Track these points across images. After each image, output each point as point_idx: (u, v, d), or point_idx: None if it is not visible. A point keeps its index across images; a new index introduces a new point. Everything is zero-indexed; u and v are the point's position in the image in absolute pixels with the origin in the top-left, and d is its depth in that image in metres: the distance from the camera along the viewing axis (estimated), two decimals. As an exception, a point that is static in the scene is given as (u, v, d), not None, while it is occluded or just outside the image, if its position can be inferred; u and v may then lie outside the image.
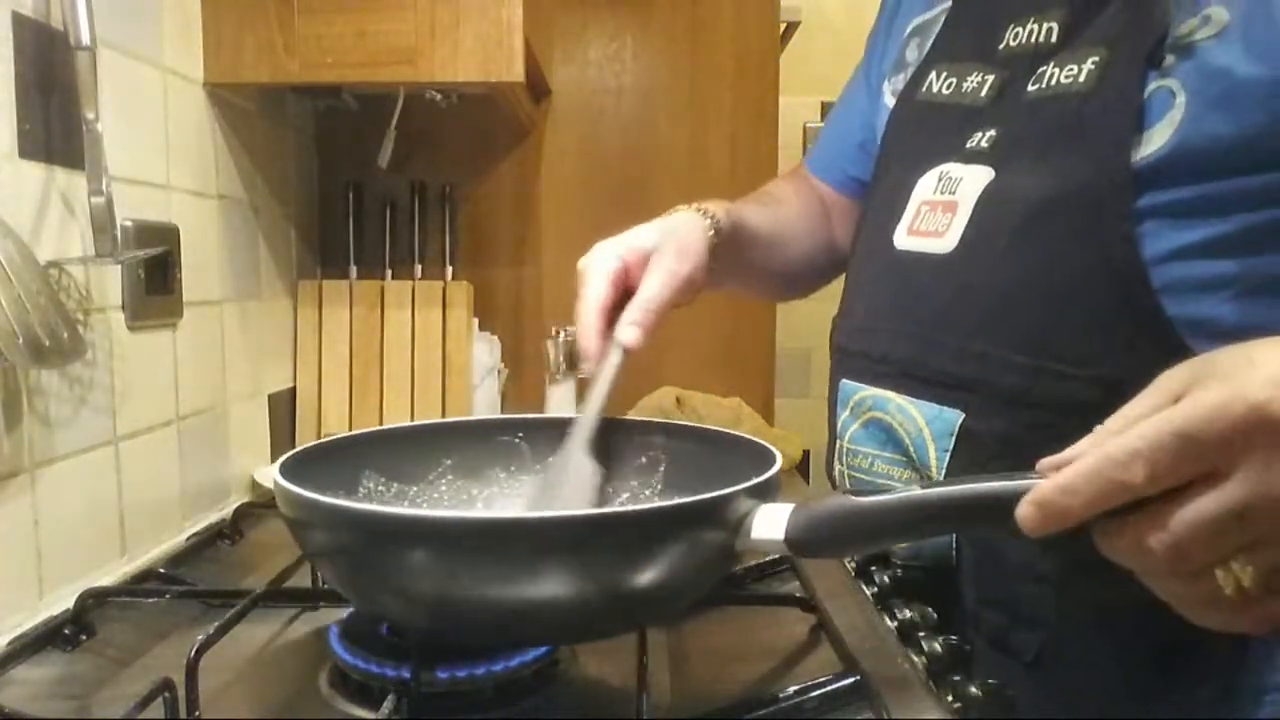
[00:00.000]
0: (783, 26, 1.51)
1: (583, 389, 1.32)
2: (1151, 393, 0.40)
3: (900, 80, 0.80)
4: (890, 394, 0.68)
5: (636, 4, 1.38)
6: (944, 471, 0.63)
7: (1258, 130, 0.54)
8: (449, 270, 1.31)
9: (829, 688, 0.54)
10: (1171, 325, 0.56)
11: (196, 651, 0.54)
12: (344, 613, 0.63)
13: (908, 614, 0.64)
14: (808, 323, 1.35)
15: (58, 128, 0.72)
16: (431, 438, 0.69)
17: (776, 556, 0.74)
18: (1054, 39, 0.65)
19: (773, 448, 0.57)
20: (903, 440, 0.66)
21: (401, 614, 0.52)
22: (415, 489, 0.67)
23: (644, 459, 0.67)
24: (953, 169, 0.68)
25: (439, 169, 1.35)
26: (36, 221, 0.70)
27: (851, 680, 0.55)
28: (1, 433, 0.66)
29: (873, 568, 0.72)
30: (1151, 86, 0.57)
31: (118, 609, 0.70)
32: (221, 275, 1.01)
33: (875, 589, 0.70)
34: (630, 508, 0.54)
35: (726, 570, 0.53)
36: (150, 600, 0.71)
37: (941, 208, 0.67)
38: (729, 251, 0.73)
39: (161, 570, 0.77)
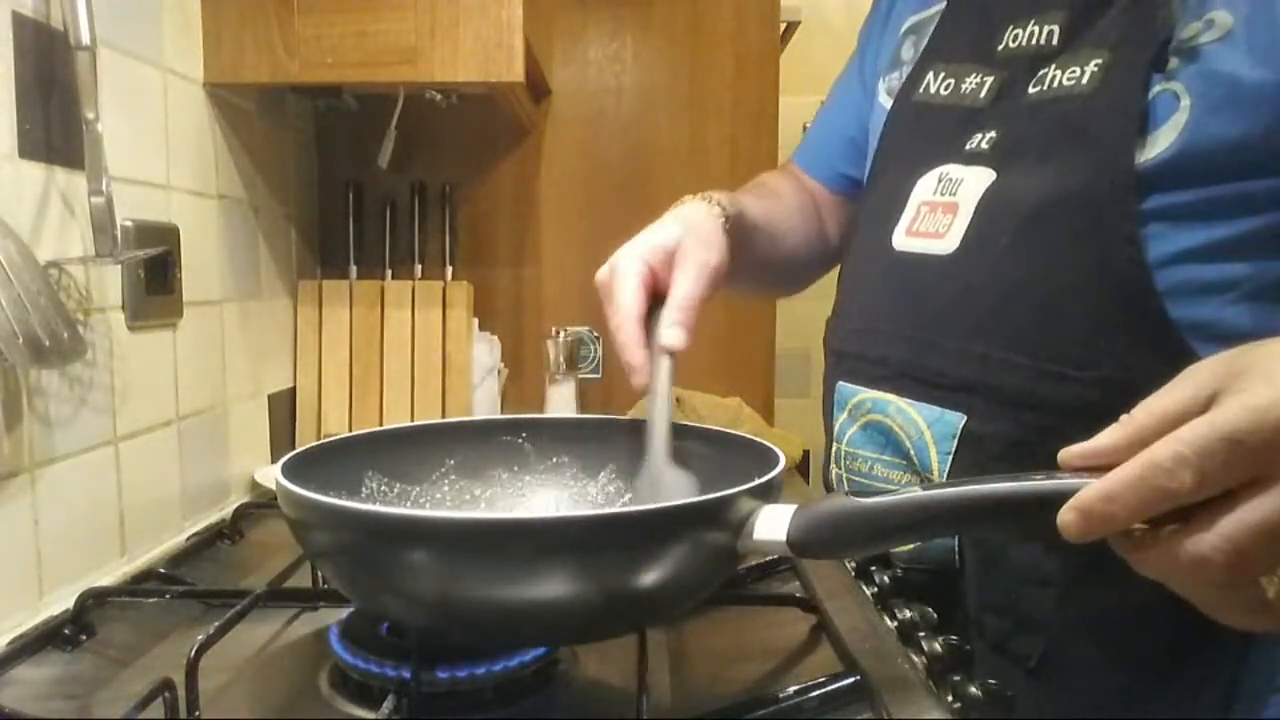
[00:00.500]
0: (783, 26, 1.51)
1: (583, 389, 1.33)
2: (1181, 387, 0.39)
3: (895, 79, 0.79)
4: (890, 396, 0.67)
5: (636, 4, 1.38)
6: (946, 474, 0.63)
7: (1262, 133, 0.54)
8: (449, 270, 1.31)
9: (829, 688, 0.54)
10: (1175, 328, 0.56)
11: (196, 651, 0.54)
12: (344, 613, 0.63)
13: (908, 614, 0.64)
14: (808, 323, 1.34)
15: (58, 128, 0.72)
16: (434, 438, 0.68)
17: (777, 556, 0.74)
18: (1055, 41, 0.65)
19: (776, 448, 0.57)
20: (903, 443, 0.66)
21: (404, 614, 0.52)
22: (418, 489, 0.66)
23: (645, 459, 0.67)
24: (953, 170, 0.68)
25: (439, 169, 1.35)
26: (36, 221, 0.70)
27: (851, 680, 0.55)
28: (1, 433, 0.66)
29: (873, 568, 0.72)
30: (1155, 90, 0.57)
31: (118, 609, 0.70)
32: (221, 275, 1.01)
33: (875, 589, 0.70)
34: (632, 508, 0.54)
35: (729, 571, 0.53)
36: (150, 600, 0.71)
37: (942, 209, 0.67)
38: (733, 242, 0.70)
39: (161, 570, 0.77)
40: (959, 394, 0.63)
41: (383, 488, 0.64)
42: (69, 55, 0.69)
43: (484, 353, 1.30)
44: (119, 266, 0.79)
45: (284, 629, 0.67)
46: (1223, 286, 0.56)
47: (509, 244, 1.40)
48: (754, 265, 0.83)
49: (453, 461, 0.68)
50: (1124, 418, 0.39)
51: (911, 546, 0.69)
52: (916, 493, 0.44)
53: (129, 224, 0.81)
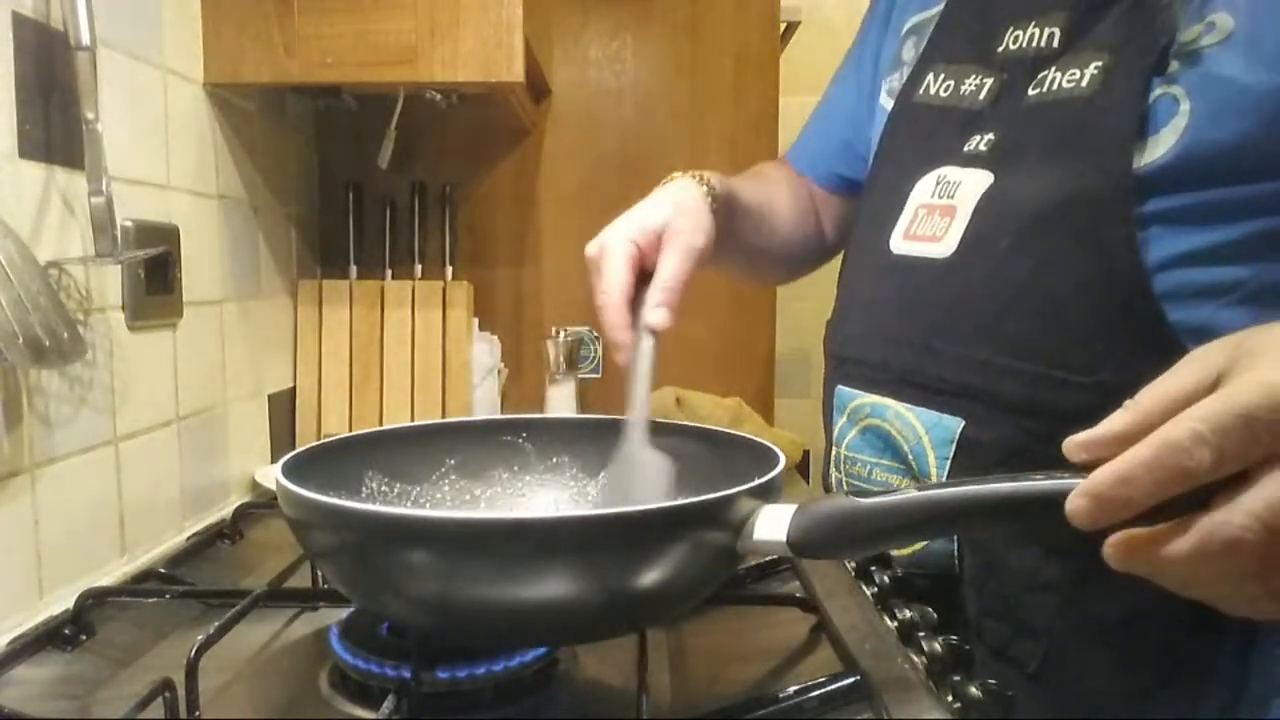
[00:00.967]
0: (783, 26, 1.51)
1: (583, 389, 1.33)
2: (1185, 371, 0.38)
3: (897, 80, 0.79)
4: (889, 401, 0.67)
5: (636, 4, 1.38)
6: (944, 480, 0.63)
7: (1262, 137, 0.54)
8: (449, 270, 1.31)
9: (829, 688, 0.54)
10: (1174, 332, 0.56)
11: (196, 651, 0.54)
12: (344, 613, 0.63)
13: (908, 614, 0.64)
14: (808, 323, 1.35)
15: (58, 128, 0.72)
16: (434, 438, 0.69)
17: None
18: (1055, 43, 0.64)
19: (776, 448, 0.57)
20: (901, 448, 0.66)
21: (404, 614, 0.52)
22: (418, 489, 0.66)
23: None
24: (950, 172, 0.67)
25: (439, 169, 1.35)
26: (36, 221, 0.70)
27: (851, 680, 0.55)
28: (1, 433, 0.66)
29: (873, 568, 0.72)
30: (1156, 93, 0.57)
31: (118, 609, 0.70)
32: (221, 275, 1.01)
33: (875, 589, 0.70)
34: (632, 508, 0.54)
35: (729, 571, 0.53)
36: (150, 600, 0.71)
37: (939, 211, 0.67)
38: (721, 222, 0.71)
39: (161, 570, 0.77)
40: (957, 399, 0.63)
41: (383, 488, 0.65)
42: (69, 55, 0.69)
43: (484, 353, 1.30)
44: (119, 266, 0.79)
45: (284, 629, 0.67)
46: (1222, 290, 0.56)
47: (509, 244, 1.40)
48: (744, 248, 0.82)
49: (453, 461, 0.68)
50: (1128, 403, 0.39)
51: (911, 551, 0.68)
52: (916, 493, 0.44)
53: (129, 224, 0.81)
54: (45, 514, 0.70)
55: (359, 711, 0.54)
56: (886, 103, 0.80)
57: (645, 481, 0.59)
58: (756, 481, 0.49)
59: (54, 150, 0.72)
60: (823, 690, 0.54)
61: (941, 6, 0.77)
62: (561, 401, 1.30)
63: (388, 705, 0.51)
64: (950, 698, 0.55)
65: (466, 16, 0.95)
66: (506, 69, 0.97)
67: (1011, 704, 0.54)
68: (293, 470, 0.52)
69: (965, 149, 0.67)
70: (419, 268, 1.30)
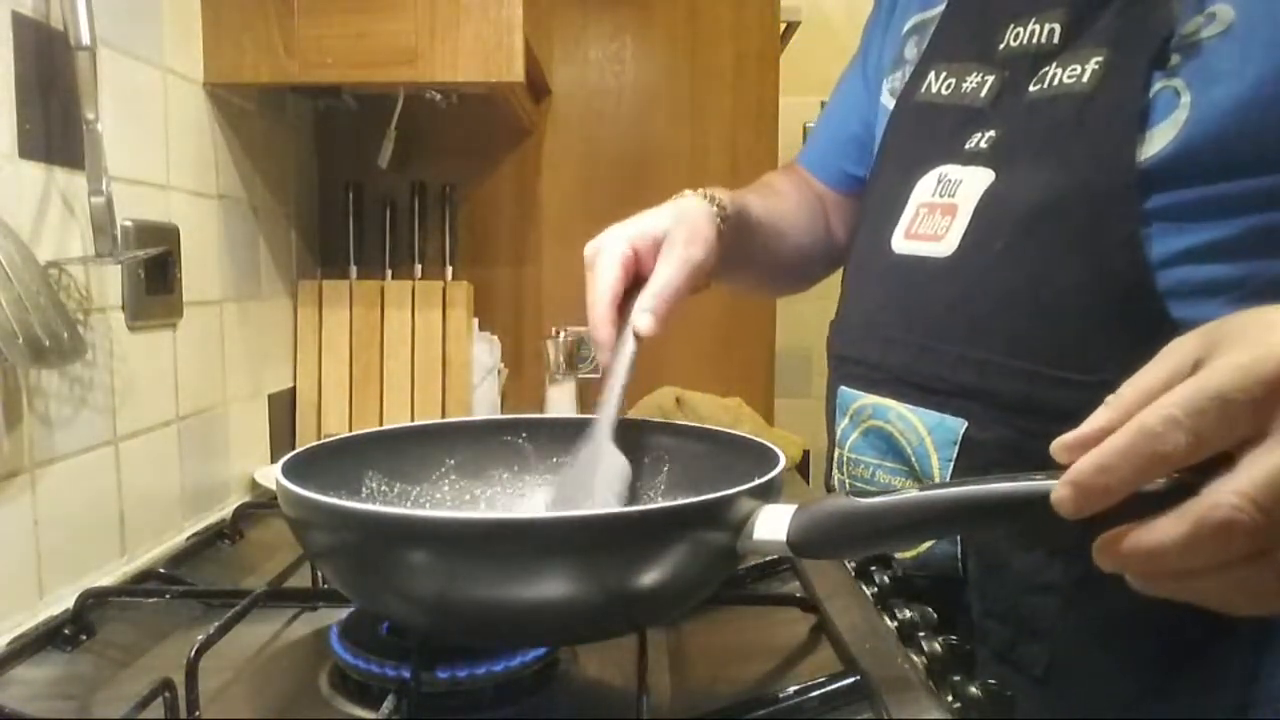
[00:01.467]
0: (783, 26, 1.51)
1: (583, 389, 1.33)
2: (1164, 361, 0.39)
3: (899, 79, 0.79)
4: (891, 402, 0.67)
5: (636, 4, 1.38)
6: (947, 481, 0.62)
7: (1264, 130, 0.53)
8: (449, 270, 1.31)
9: (829, 688, 0.54)
10: (1176, 329, 0.55)
11: (196, 651, 0.54)
12: (344, 613, 0.63)
13: (908, 614, 0.64)
14: (808, 323, 1.35)
15: (58, 128, 0.72)
16: (434, 438, 0.68)
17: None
18: (1055, 39, 0.64)
19: (776, 448, 0.56)
20: (904, 449, 0.66)
21: (404, 614, 0.51)
22: (418, 489, 0.66)
23: (647, 459, 0.67)
24: (951, 171, 0.67)
25: (439, 169, 1.35)
26: (36, 221, 0.70)
27: (851, 680, 0.54)
28: (1, 433, 0.66)
29: (873, 568, 0.72)
30: (1156, 87, 0.57)
31: (118, 609, 0.70)
32: (221, 275, 1.01)
33: (875, 589, 0.70)
34: (633, 508, 0.54)
35: (729, 571, 0.53)
36: (150, 600, 0.71)
37: (940, 210, 0.67)
38: (733, 240, 0.71)
39: (161, 570, 0.77)
40: (959, 400, 0.63)
41: (383, 488, 0.64)
42: (69, 55, 0.69)
43: (484, 353, 1.30)
44: (119, 266, 0.79)
45: (284, 629, 0.67)
46: (1225, 286, 0.56)
47: (509, 244, 1.40)
48: (757, 263, 0.83)
49: (453, 461, 0.68)
50: (1109, 398, 0.39)
51: (914, 554, 0.68)
52: (916, 493, 0.44)
53: (129, 224, 0.81)
54: (45, 514, 0.70)
55: (359, 711, 0.54)
56: (888, 102, 0.80)
57: (603, 484, 0.60)
58: (756, 481, 0.49)
59: (54, 150, 0.72)
60: (823, 690, 0.54)
61: (943, 6, 0.77)
62: (561, 401, 1.31)
63: (388, 705, 0.51)
64: (950, 698, 0.55)
65: (466, 16, 0.95)
66: (506, 69, 0.97)
67: (1011, 704, 0.54)
68: (293, 470, 0.52)
69: (966, 147, 0.67)
70: (419, 268, 1.30)
